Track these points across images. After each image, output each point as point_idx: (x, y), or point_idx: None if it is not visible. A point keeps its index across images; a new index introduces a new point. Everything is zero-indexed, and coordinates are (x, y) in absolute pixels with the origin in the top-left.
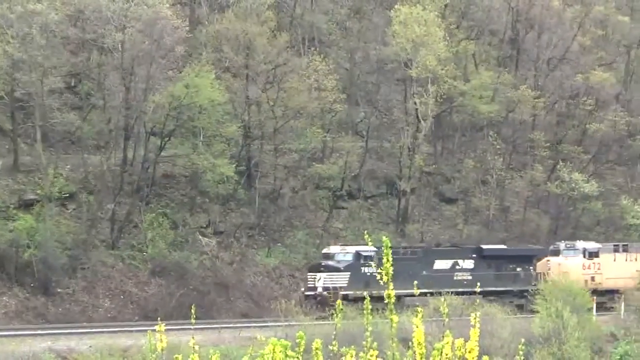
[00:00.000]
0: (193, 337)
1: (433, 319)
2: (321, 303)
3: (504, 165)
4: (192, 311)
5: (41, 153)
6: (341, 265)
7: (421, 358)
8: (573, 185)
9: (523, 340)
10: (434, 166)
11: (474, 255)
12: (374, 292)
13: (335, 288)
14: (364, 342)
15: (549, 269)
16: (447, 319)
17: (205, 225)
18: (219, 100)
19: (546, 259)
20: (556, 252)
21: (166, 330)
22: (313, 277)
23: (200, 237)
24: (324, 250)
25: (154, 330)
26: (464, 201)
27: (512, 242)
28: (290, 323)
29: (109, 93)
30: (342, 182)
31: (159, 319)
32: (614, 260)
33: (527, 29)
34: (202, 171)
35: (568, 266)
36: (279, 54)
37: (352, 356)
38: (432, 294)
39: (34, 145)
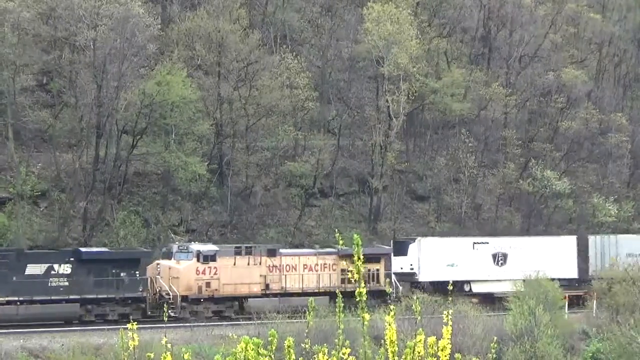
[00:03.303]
0: (165, 335)
1: (406, 317)
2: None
3: (476, 162)
4: (165, 309)
5: (13, 151)
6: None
7: (393, 356)
8: (545, 182)
9: (495, 338)
10: (406, 164)
11: (72, 259)
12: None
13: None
14: (336, 340)
15: (159, 274)
16: (419, 317)
17: (177, 223)
18: (191, 98)
19: (156, 262)
20: (168, 255)
21: (138, 328)
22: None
23: (172, 235)
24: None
25: (126, 328)
26: (436, 199)
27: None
28: (263, 321)
29: (81, 91)
30: (314, 180)
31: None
32: (234, 264)
33: (499, 26)
34: (174, 169)
35: (180, 271)
36: (251, 51)
37: (324, 354)
38: (22, 302)
39: (5, 143)
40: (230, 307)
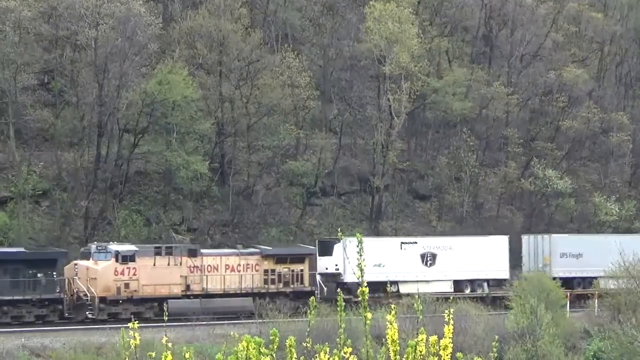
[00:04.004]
0: (166, 334)
1: (407, 316)
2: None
3: (478, 161)
4: (165, 309)
5: (14, 150)
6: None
7: (395, 355)
8: (546, 181)
9: (497, 337)
10: (407, 163)
11: None
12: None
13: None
14: (338, 339)
15: (77, 274)
16: (421, 316)
17: (178, 222)
18: (192, 97)
19: (74, 262)
20: (86, 255)
21: (139, 327)
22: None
23: (173, 234)
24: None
25: (128, 327)
26: (438, 198)
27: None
28: (264, 320)
29: (82, 90)
30: (315, 178)
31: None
32: (154, 265)
33: (501, 25)
34: (176, 168)
35: (98, 271)
36: (253, 50)
37: (325, 353)
38: None
39: (7, 142)
40: (150, 309)
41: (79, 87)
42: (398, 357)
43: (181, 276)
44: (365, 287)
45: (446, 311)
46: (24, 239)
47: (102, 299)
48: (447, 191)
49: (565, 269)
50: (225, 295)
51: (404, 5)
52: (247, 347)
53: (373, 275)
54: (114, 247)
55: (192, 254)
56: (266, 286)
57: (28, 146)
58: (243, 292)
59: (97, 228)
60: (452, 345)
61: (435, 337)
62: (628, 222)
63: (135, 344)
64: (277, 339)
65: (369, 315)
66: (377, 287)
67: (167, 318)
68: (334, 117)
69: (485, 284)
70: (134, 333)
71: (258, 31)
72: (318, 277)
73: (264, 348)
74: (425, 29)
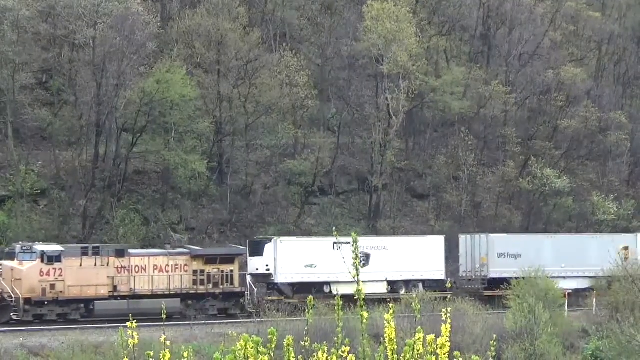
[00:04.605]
0: (164, 333)
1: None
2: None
3: (476, 161)
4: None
5: (13, 149)
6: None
7: (392, 354)
8: (545, 181)
9: (495, 336)
10: (405, 162)
11: None
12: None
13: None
14: (336, 339)
15: (1, 275)
16: (418, 316)
17: (177, 222)
18: (191, 96)
19: None
20: (11, 256)
21: (138, 326)
22: None
23: (172, 233)
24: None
25: (126, 326)
26: (436, 197)
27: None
28: (262, 319)
29: (81, 89)
30: (313, 178)
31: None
32: (81, 266)
33: (499, 24)
34: (174, 167)
35: (22, 272)
36: (251, 50)
37: (324, 352)
38: None
39: (5, 141)
40: (77, 310)
41: (77, 87)
42: (396, 356)
43: (108, 277)
44: (361, 287)
45: (443, 310)
46: (22, 238)
47: (27, 301)
48: (445, 190)
49: (503, 270)
50: (154, 296)
51: (402, 4)
52: (245, 346)
53: (304, 276)
54: (39, 247)
55: (120, 254)
56: (195, 287)
57: (26, 145)
58: (172, 293)
59: (95, 227)
60: (449, 344)
61: (432, 336)
62: (626, 221)
63: (133, 343)
64: (275, 338)
65: (366, 314)
66: (309, 289)
67: (93, 319)
68: (332, 116)
69: (420, 285)
70: (132, 332)
71: (256, 30)
72: (248, 278)
73: (262, 347)
74: (423, 28)
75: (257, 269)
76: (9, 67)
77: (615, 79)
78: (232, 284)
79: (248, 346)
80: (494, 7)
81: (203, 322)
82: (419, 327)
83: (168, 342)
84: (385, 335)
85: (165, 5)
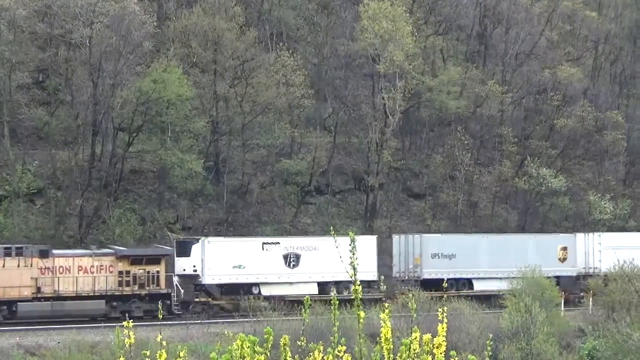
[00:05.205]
0: (160, 333)
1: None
2: None
3: (472, 160)
4: (159, 307)
5: (9, 149)
6: None
7: (388, 354)
8: (541, 180)
9: (491, 335)
10: (402, 161)
11: None
12: None
13: None
14: (332, 338)
15: None
16: (415, 315)
17: (173, 221)
18: (187, 95)
19: None
20: None
21: (134, 326)
22: None
23: (168, 232)
24: None
25: (122, 326)
26: (432, 196)
27: None
28: (259, 319)
29: (77, 88)
30: (310, 177)
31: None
32: (3, 266)
33: (495, 24)
34: (170, 167)
35: None
36: (247, 49)
37: (320, 352)
38: None
39: (1, 141)
40: None
41: (74, 86)
42: (392, 355)
43: (32, 278)
44: (359, 285)
45: (440, 309)
46: (18, 237)
47: None
48: (441, 190)
49: (437, 270)
50: (78, 297)
51: (398, 3)
52: (242, 345)
53: (232, 277)
54: None
55: (43, 255)
56: (121, 288)
57: (23, 145)
58: (97, 294)
59: (91, 227)
60: (445, 343)
61: (428, 336)
62: (622, 220)
63: (129, 342)
64: (271, 337)
65: (362, 314)
66: (237, 290)
67: (17, 321)
68: (328, 116)
69: (351, 286)
70: (128, 332)
71: (253, 30)
72: (175, 279)
73: (258, 347)
74: (419, 28)
75: (184, 270)
76: (5, 67)
77: (611, 78)
78: (158, 285)
79: (244, 346)
80: (490, 6)
81: (199, 321)
82: (415, 327)
83: (164, 342)
84: (381, 335)
85: (161, 4)
